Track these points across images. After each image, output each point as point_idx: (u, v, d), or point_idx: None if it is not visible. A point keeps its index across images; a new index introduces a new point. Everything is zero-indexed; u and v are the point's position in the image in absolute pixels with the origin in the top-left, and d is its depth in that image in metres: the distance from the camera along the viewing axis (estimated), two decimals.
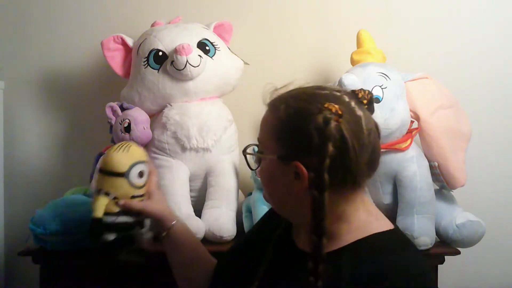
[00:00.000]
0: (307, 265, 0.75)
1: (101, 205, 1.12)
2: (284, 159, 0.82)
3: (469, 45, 1.74)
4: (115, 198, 1.13)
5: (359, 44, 1.55)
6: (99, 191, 1.13)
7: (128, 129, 1.41)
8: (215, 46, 1.50)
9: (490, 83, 1.73)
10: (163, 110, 1.46)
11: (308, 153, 0.77)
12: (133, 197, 1.13)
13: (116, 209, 1.13)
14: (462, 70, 1.73)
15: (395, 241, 0.85)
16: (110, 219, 1.12)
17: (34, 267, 1.34)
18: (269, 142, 0.86)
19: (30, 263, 1.33)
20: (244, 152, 0.92)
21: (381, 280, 0.76)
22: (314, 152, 0.76)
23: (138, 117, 1.43)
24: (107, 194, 1.13)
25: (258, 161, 0.90)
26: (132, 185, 1.14)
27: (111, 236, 1.12)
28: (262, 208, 1.35)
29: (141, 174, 1.14)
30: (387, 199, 1.43)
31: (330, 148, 0.75)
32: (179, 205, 1.37)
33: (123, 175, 1.12)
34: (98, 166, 1.25)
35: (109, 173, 1.14)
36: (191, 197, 1.44)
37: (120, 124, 1.42)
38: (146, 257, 1.24)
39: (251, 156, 0.92)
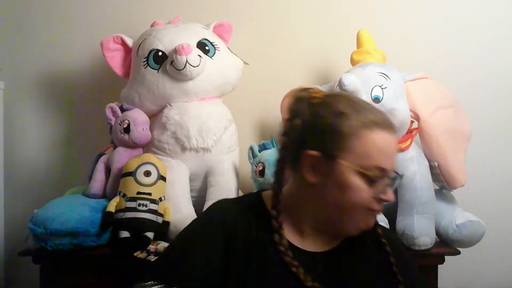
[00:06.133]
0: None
1: (113, 202, 1.31)
2: None
3: (469, 45, 1.74)
4: (124, 195, 1.31)
5: (359, 44, 1.55)
6: (117, 193, 1.33)
7: (127, 130, 1.41)
8: (215, 46, 1.50)
9: (490, 83, 1.73)
10: (163, 110, 1.46)
11: None
12: (138, 193, 1.30)
13: (124, 205, 1.29)
14: (462, 70, 1.73)
15: None
16: (119, 214, 1.29)
17: (34, 267, 1.34)
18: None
19: (30, 263, 1.33)
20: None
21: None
22: None
23: (138, 118, 1.42)
24: (119, 193, 1.33)
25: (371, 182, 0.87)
26: (138, 182, 1.31)
27: (124, 234, 1.27)
28: None
29: (147, 173, 1.32)
30: None
31: None
32: (180, 205, 1.37)
33: (131, 174, 1.32)
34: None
35: (122, 175, 1.34)
36: (191, 197, 1.44)
37: (120, 125, 1.42)
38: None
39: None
